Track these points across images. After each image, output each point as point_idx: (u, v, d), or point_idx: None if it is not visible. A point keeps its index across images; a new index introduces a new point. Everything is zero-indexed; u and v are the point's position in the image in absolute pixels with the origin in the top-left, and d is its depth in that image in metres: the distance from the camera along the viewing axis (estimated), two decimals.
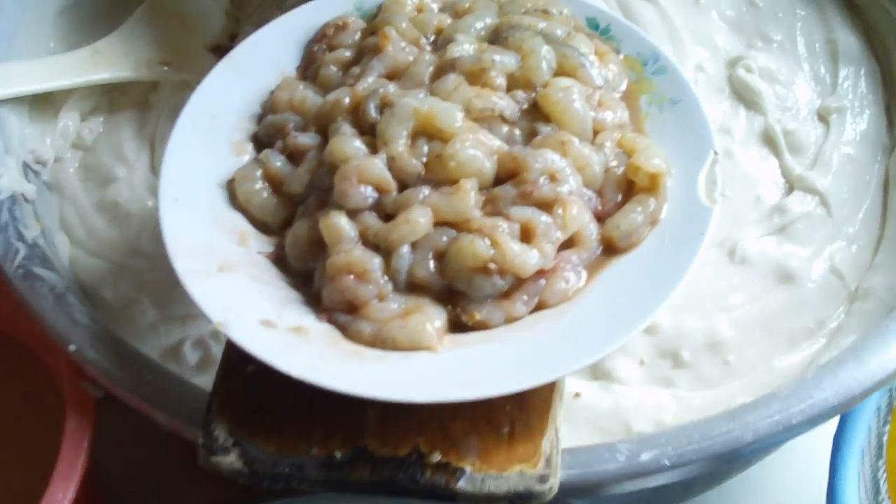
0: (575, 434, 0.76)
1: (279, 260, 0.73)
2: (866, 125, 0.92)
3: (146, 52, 0.98)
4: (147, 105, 0.97)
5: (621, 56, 0.79)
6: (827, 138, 0.90)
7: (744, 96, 0.92)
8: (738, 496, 0.95)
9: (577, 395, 0.78)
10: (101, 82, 0.95)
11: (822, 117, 0.92)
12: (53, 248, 0.85)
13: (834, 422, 0.79)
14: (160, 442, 0.91)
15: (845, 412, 0.76)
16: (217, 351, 0.82)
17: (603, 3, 0.93)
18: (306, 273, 0.72)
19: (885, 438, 0.80)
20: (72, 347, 0.75)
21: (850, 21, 0.98)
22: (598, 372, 0.79)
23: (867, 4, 0.99)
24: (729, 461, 0.70)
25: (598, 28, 0.81)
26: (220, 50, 0.96)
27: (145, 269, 0.87)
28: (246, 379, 0.69)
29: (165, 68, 0.98)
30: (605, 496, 0.72)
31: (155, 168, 0.92)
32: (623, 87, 0.78)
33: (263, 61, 0.82)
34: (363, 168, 0.70)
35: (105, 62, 0.95)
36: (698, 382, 0.80)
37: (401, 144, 0.71)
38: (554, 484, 0.64)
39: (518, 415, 0.67)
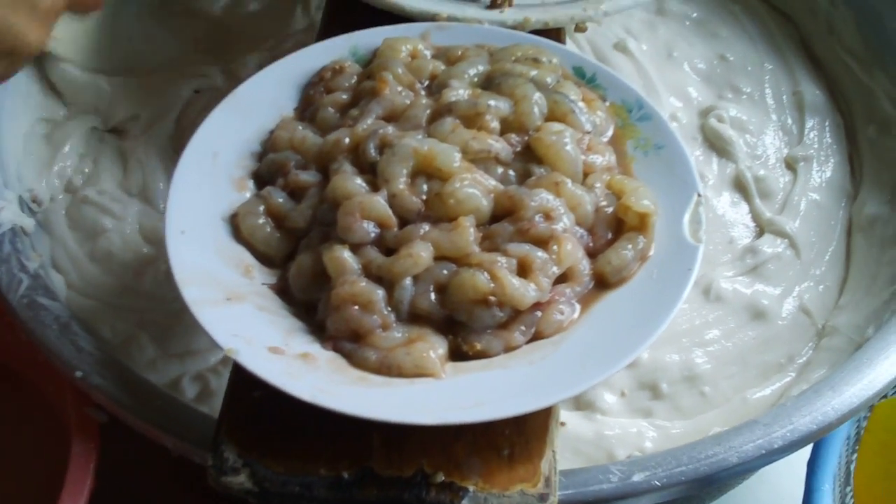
0: (562, 461, 0.79)
1: (282, 291, 0.76)
2: (831, 173, 0.98)
3: None
4: (125, 155, 0.99)
5: (607, 103, 0.84)
6: (795, 185, 0.96)
7: (716, 144, 0.98)
8: None
9: (562, 424, 0.81)
10: None
11: (790, 165, 0.98)
12: (51, 283, 0.87)
13: (804, 452, 0.83)
14: (158, 470, 0.94)
15: (820, 439, 0.81)
16: (215, 384, 0.85)
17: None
18: (309, 304, 0.74)
19: (852, 466, 0.85)
20: (78, 374, 0.77)
21: (814, 75, 1.04)
22: (581, 403, 0.83)
23: (829, 59, 1.05)
24: (714, 482, 0.74)
25: (584, 77, 0.85)
26: None
27: (144, 309, 0.89)
28: (253, 404, 0.71)
29: None
30: None
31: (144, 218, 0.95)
32: (610, 132, 0.82)
33: (262, 102, 0.85)
34: (366, 204, 0.73)
35: None
36: (676, 412, 0.84)
37: (401, 182, 0.74)
38: (553, 502, 0.67)
39: (517, 438, 0.70)
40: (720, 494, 0.92)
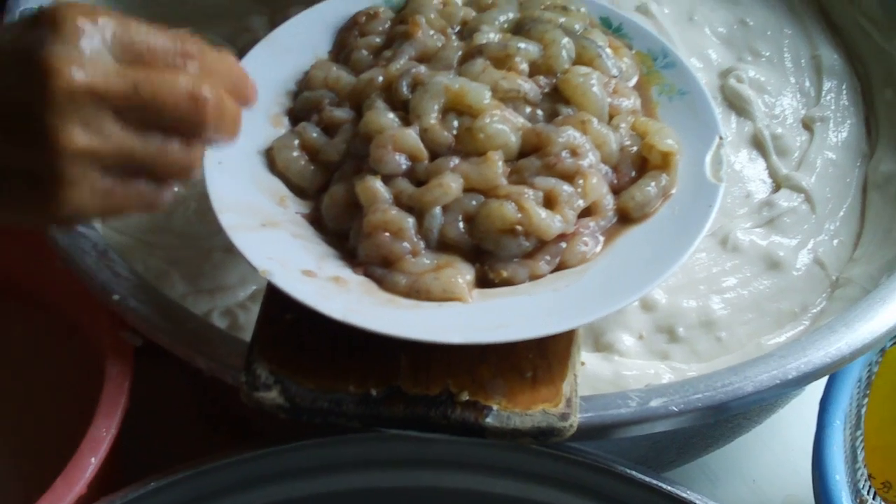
0: None
1: (315, 221, 0.78)
2: (847, 134, 1.00)
3: None
4: None
5: (633, 51, 0.86)
6: (811, 144, 0.98)
7: (734, 104, 1.00)
8: (719, 471, 1.02)
9: (581, 363, 0.83)
10: None
11: (807, 125, 1.00)
12: None
13: (814, 405, 0.86)
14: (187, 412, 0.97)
15: (832, 374, 0.83)
16: (244, 319, 0.86)
17: None
18: (341, 233, 0.77)
19: (863, 410, 0.87)
20: (115, 297, 0.79)
21: (832, 40, 1.07)
22: (600, 344, 0.85)
23: (847, 25, 1.08)
24: (729, 411, 0.76)
25: (611, 27, 0.88)
26: None
27: (176, 247, 0.91)
28: (285, 326, 0.73)
29: None
30: (615, 440, 0.77)
31: None
32: (635, 79, 0.85)
33: (298, 44, 0.88)
34: (398, 137, 0.76)
35: None
36: (692, 356, 0.86)
37: (433, 118, 0.77)
38: (574, 422, 0.69)
39: (540, 361, 0.72)
40: (732, 436, 0.94)
